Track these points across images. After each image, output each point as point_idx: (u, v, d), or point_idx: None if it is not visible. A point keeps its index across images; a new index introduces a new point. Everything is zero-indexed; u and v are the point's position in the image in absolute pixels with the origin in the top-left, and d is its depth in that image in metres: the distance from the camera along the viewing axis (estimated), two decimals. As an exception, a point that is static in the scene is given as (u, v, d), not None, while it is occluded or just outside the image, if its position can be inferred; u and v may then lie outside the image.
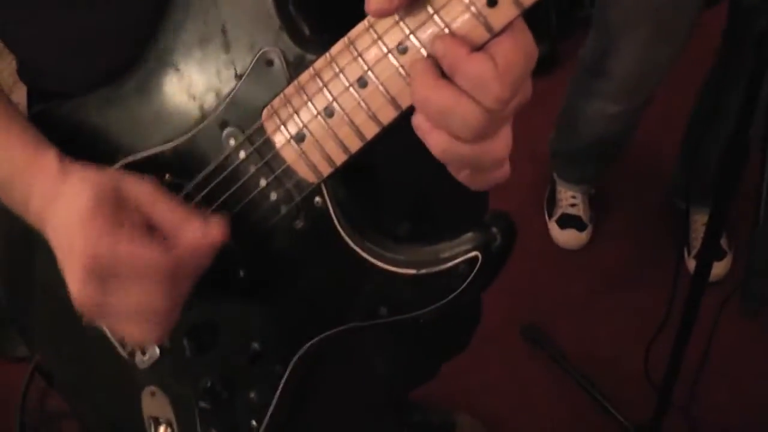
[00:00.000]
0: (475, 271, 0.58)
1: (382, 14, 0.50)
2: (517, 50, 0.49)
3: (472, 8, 0.47)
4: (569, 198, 2.00)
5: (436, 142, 0.52)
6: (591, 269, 1.94)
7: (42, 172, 0.61)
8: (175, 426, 0.72)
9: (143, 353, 0.71)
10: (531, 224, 2.02)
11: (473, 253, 0.57)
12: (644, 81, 1.63)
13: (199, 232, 0.58)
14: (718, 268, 1.82)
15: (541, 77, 2.37)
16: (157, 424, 0.73)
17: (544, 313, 1.84)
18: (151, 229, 0.59)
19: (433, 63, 0.50)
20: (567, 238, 1.99)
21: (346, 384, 0.82)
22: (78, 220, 0.57)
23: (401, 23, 0.51)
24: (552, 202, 2.04)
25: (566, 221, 1.98)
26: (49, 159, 0.62)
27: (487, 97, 0.49)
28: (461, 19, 0.48)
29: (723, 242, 1.88)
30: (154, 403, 0.72)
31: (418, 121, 0.52)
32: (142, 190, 0.59)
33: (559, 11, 2.45)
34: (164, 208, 0.59)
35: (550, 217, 2.02)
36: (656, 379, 1.51)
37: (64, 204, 0.59)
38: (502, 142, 0.53)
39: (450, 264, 0.58)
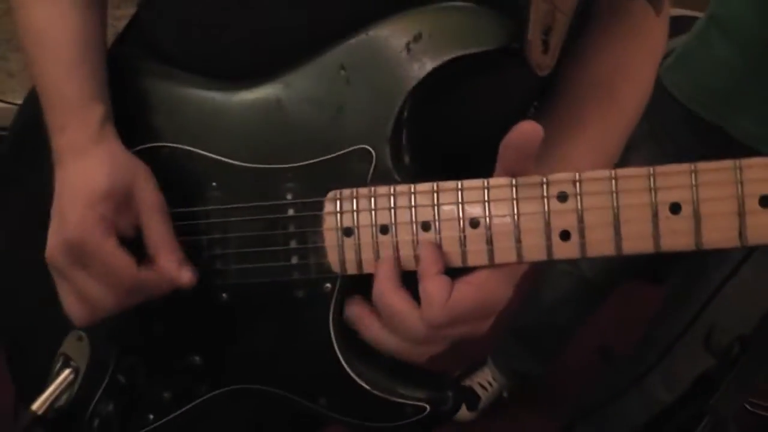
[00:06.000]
0: (417, 417, 0.63)
1: (529, 136, 0.55)
2: (474, 298, 0.57)
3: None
4: (485, 381, 1.97)
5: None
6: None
7: (83, 123, 0.64)
8: (79, 377, 0.72)
9: None
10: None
11: (423, 404, 0.63)
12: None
13: (171, 267, 0.64)
14: None
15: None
16: (65, 364, 0.72)
17: None
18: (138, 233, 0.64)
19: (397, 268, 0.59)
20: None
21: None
22: (83, 197, 0.62)
23: (492, 202, 0.56)
24: (472, 369, 2.00)
25: (467, 394, 1.93)
26: (94, 115, 0.64)
27: (427, 316, 0.57)
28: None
29: None
30: (74, 346, 0.73)
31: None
32: (148, 202, 0.64)
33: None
34: (157, 228, 0.64)
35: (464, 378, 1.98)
36: None
37: (81, 172, 0.63)
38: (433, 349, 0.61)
39: (401, 400, 0.63)
